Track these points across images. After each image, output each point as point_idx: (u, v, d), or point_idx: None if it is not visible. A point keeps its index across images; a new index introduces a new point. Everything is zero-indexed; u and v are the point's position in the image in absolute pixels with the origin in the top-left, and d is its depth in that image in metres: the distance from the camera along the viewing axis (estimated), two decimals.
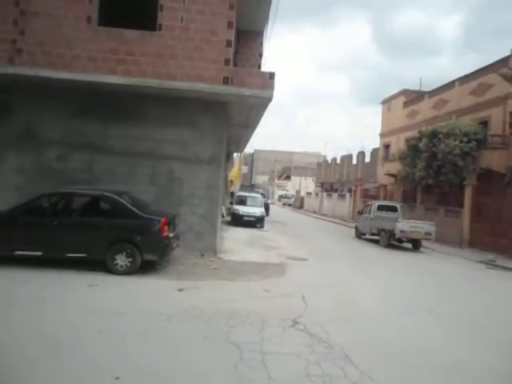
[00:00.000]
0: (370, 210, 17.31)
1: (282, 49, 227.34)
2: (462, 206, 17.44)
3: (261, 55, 14.08)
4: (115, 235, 7.28)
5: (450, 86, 22.96)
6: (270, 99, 9.48)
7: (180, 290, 6.44)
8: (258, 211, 19.32)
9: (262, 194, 29.60)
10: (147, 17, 9.51)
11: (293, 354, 4.26)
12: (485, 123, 18.91)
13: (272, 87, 9.19)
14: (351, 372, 3.95)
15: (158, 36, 9.14)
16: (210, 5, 9.24)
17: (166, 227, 7.35)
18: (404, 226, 14.74)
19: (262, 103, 10.02)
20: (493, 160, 17.36)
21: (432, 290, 8.40)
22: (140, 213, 7.39)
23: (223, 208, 20.62)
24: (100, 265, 7.20)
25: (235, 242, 12.73)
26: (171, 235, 7.69)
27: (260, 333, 4.76)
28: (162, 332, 4.66)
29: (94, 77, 8.82)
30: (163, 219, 7.35)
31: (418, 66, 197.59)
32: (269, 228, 18.58)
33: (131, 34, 9.10)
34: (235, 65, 11.91)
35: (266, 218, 20.63)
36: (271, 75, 9.23)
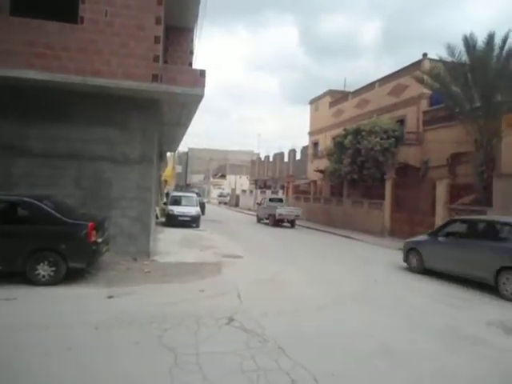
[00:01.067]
0: (265, 202, 24.61)
1: (214, 48, 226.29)
2: (383, 198, 18.84)
3: (192, 53, 13.91)
4: (35, 244, 6.75)
5: (370, 86, 24.63)
6: (201, 97, 9.41)
7: (110, 297, 6.18)
8: (194, 211, 19.11)
9: (197, 193, 29.30)
10: (67, 9, 8.91)
11: (228, 351, 4.32)
12: (402, 121, 20.63)
13: (203, 85, 9.12)
14: (285, 363, 4.10)
15: (80, 30, 8.61)
16: None
17: (93, 232, 6.98)
18: (281, 210, 21.90)
19: (194, 101, 9.93)
20: (409, 155, 19.00)
21: (355, 277, 8.98)
22: (63, 218, 6.92)
23: (157, 209, 20.08)
24: (20, 276, 6.65)
25: (170, 244, 12.48)
26: (100, 240, 7.32)
27: (195, 334, 4.75)
28: (90, 343, 4.43)
29: (8, 72, 8.07)
30: (90, 224, 6.97)
31: (342, 68, 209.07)
32: (205, 227, 18.47)
33: (50, 26, 8.45)
34: (165, 62, 11.65)
35: (202, 218, 20.48)
36: (202, 72, 9.17)
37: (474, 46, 14.44)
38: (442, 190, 15.20)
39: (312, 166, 30.60)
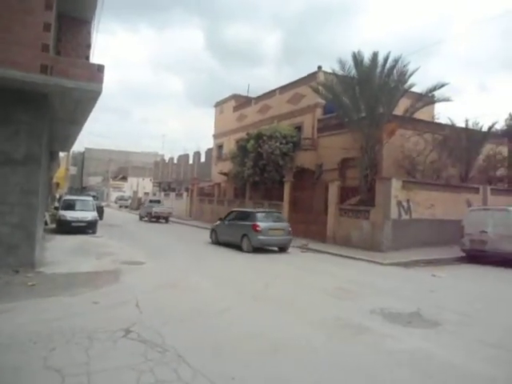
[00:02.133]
0: (146, 202, 31.34)
1: (115, 45, 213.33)
2: (282, 199, 19.88)
3: (89, 46, 12.89)
4: None
5: (272, 94, 25.75)
6: (98, 93, 8.75)
7: None
8: (90, 215, 17.75)
9: (94, 197, 27.33)
10: None
11: (124, 366, 4.07)
12: (299, 128, 21.97)
13: (101, 80, 8.49)
14: (185, 372, 3.99)
15: None
16: None
17: None
18: (157, 209, 27.89)
19: (90, 97, 9.18)
20: (305, 159, 20.33)
21: (258, 276, 9.29)
22: None
23: (47, 214, 18.25)
24: None
25: (61, 252, 11.39)
26: None
27: (86, 351, 4.38)
28: None
29: None
30: None
31: (246, 74, 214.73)
32: (103, 233, 17.29)
33: None
34: (58, 53, 10.62)
35: (100, 222, 19.15)
36: (100, 67, 8.53)
37: (361, 62, 16.02)
38: (333, 192, 16.58)
39: (216, 169, 30.81)
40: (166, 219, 27.88)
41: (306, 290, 8.28)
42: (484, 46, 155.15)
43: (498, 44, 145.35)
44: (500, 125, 32.69)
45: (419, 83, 16.66)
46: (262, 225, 13.80)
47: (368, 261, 12.40)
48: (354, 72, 16.22)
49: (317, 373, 4.23)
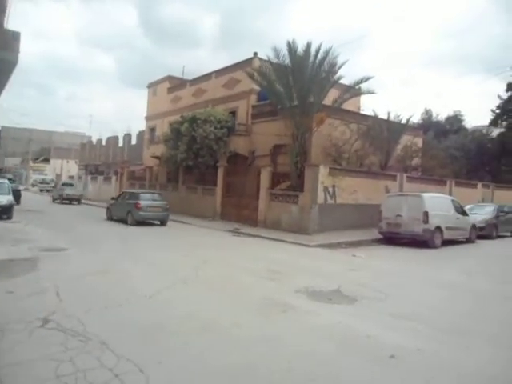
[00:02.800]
0: (58, 186, 33.33)
1: (38, 14, 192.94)
2: (216, 184, 19.90)
3: (3, 11, 11.59)
4: None
5: (207, 77, 25.34)
6: (13, 63, 8.01)
7: None
8: (5, 199, 16.18)
9: (10, 180, 25.06)
10: None
11: (41, 358, 3.86)
12: (234, 113, 21.96)
13: (16, 49, 7.76)
14: (108, 359, 3.87)
15: None
16: None
17: None
18: (68, 191, 29.51)
19: (4, 68, 8.36)
20: (239, 145, 20.48)
21: (189, 260, 9.28)
22: None
23: None
24: None
25: None
26: None
27: None
28: None
29: None
30: None
31: (181, 56, 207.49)
32: (20, 218, 15.95)
33: None
34: None
35: (17, 207, 17.59)
36: (15, 35, 7.79)
37: (295, 52, 16.37)
38: (265, 177, 16.96)
39: (148, 152, 29.78)
40: (78, 201, 29.68)
41: (236, 272, 8.46)
42: (408, 43, 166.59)
43: (425, 41, 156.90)
44: (416, 118, 35.72)
45: (348, 75, 17.65)
46: (143, 203, 16.76)
47: (296, 243, 12.98)
48: (288, 61, 16.55)
49: (241, 349, 4.39)
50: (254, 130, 20.54)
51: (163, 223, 17.37)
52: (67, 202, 28.92)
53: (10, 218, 15.91)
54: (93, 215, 21.14)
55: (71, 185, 32.96)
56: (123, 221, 17.33)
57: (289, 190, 16.05)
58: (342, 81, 17.54)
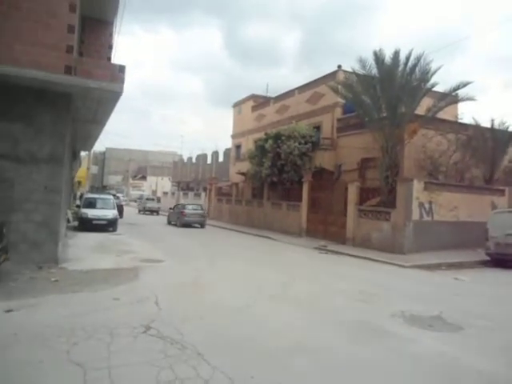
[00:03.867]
0: (143, 200, 39.66)
1: (136, 46, 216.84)
2: (301, 200, 19.70)
3: (110, 47, 13.15)
4: None
5: (290, 93, 25.61)
6: (119, 93, 8.90)
7: (8, 311, 5.51)
8: (110, 214, 18.08)
9: (114, 196, 27.82)
10: None
11: (144, 362, 4.11)
12: (318, 127, 21.77)
13: (122, 81, 8.63)
14: (204, 370, 4.00)
15: None
16: None
17: None
18: (149, 204, 37.09)
19: (111, 97, 9.35)
20: (324, 159, 20.12)
21: (277, 276, 9.23)
22: None
23: (69, 212, 18.65)
24: None
25: (83, 249, 11.62)
26: None
27: (108, 346, 4.44)
28: None
29: None
30: None
31: (264, 74, 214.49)
32: (123, 231, 17.58)
33: None
34: (81, 55, 10.84)
35: (120, 221, 19.47)
36: (121, 68, 8.68)
37: (383, 61, 15.73)
38: (353, 193, 16.35)
39: (234, 169, 30.87)
40: (157, 212, 36.16)
41: (325, 291, 8.18)
42: (508, 43, 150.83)
43: None
44: None
45: (442, 82, 16.37)
46: (186, 211, 23.37)
47: (389, 263, 12.18)
48: (374, 71, 15.95)
49: (335, 373, 4.18)
50: (340, 144, 20.09)
51: (202, 226, 23.49)
52: (148, 212, 35.98)
53: (114, 230, 17.64)
54: (163, 221, 27.17)
55: (152, 199, 40.73)
56: (175, 224, 23.80)
57: (379, 206, 15.25)
58: (436, 88, 16.29)
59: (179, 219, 23.33)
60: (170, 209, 26.26)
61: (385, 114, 15.84)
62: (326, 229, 17.71)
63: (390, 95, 15.48)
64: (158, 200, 42.39)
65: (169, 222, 25.35)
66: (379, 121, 15.93)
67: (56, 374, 3.81)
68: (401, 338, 5.36)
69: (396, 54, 15.54)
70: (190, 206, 24.28)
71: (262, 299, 7.13)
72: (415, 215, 14.15)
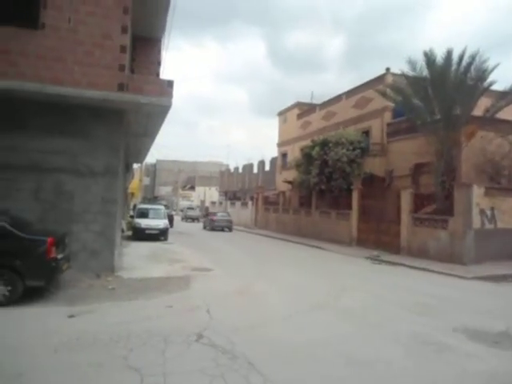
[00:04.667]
0: (185, 209, 45.21)
1: (183, 60, 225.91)
2: (350, 208, 19.16)
3: (159, 63, 13.76)
4: None
5: (337, 99, 25.24)
6: (168, 107, 9.25)
7: (71, 316, 5.83)
8: (162, 223, 18.71)
9: (165, 206, 28.78)
10: (28, 14, 8.53)
11: (197, 370, 4.14)
12: (367, 133, 21.19)
13: (170, 95, 8.96)
14: (255, 379, 3.98)
15: (40, 36, 8.28)
16: (101, 7, 8.72)
17: (53, 248, 6.59)
18: (190, 213, 42.52)
19: (161, 111, 9.73)
20: (374, 165, 19.50)
21: (327, 286, 8.98)
22: (19, 233, 6.51)
23: (123, 222, 19.51)
24: None
25: (136, 258, 12.08)
26: (60, 256, 6.92)
27: (163, 353, 4.53)
28: (48, 366, 4.12)
29: None
30: (50, 239, 6.59)
31: (308, 81, 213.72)
32: (173, 240, 18.09)
33: (5, 30, 8.06)
34: (132, 72, 11.42)
35: (171, 230, 20.07)
36: (170, 83, 9.01)
37: (434, 62, 15.08)
38: (406, 200, 15.64)
39: (281, 177, 30.82)
40: (198, 219, 39.92)
41: (381, 303, 7.82)
42: None
43: None
44: None
45: (501, 80, 15.24)
46: (215, 218, 28.51)
47: (448, 274, 11.46)
48: (425, 72, 15.33)
49: None
50: (391, 149, 19.38)
51: (230, 229, 27.95)
52: (190, 220, 40.47)
53: (166, 239, 18.20)
54: (200, 227, 31.25)
55: (192, 208, 46.28)
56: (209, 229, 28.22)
57: (435, 214, 14.45)
58: (494, 87, 15.29)
59: (210, 224, 28.46)
60: (204, 216, 34.13)
61: (438, 117, 15.13)
62: (378, 238, 17.05)
63: (443, 97, 14.77)
64: (201, 209, 48.92)
65: (204, 227, 29.90)
66: (432, 124, 15.22)
67: (115, 377, 3.94)
68: (463, 355, 5.01)
69: (448, 53, 14.84)
70: (219, 214, 30.06)
71: (313, 310, 6.97)
72: (476, 223, 13.23)
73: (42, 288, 6.80)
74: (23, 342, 4.75)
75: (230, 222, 28.63)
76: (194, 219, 40.77)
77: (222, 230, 27.61)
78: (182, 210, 51.04)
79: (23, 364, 4.13)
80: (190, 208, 46.24)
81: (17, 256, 6.40)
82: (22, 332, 5.15)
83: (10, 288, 6.28)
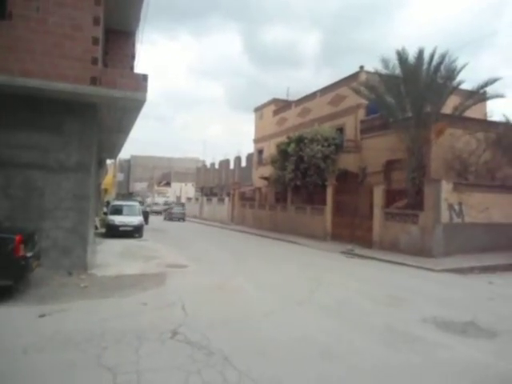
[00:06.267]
0: (172, 207, 42.02)
1: (157, 54, 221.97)
2: (325, 203, 19.45)
3: (133, 57, 13.48)
4: None
5: (312, 96, 25.50)
6: (143, 102, 9.09)
7: (41, 315, 5.67)
8: (136, 220, 18.43)
9: (140, 202, 28.32)
10: None
11: (172, 367, 4.12)
12: (341, 130, 21.55)
13: (145, 89, 8.81)
14: (231, 375, 4.00)
15: (8, 26, 7.96)
16: None
17: (21, 246, 6.38)
18: (175, 210, 38.72)
19: (135, 106, 9.56)
20: (348, 162, 19.86)
21: (303, 281, 9.11)
22: None
23: (96, 219, 19.11)
24: None
25: (110, 255, 11.87)
26: (29, 254, 6.71)
27: (136, 351, 4.48)
28: (15, 369, 4.00)
29: None
30: (18, 237, 6.37)
31: (285, 77, 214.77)
32: (148, 237, 17.86)
33: None
34: (105, 65, 11.14)
35: (146, 227, 19.79)
36: (144, 77, 8.86)
37: (406, 60, 15.46)
38: (378, 195, 16.03)
39: (257, 173, 30.92)
40: (183, 218, 37.70)
41: (353, 296, 8.00)
42: None
43: None
44: None
45: (469, 80, 15.84)
46: (172, 211, 37.84)
47: (418, 267, 11.83)
48: (398, 70, 15.71)
49: (362, 378, 4.09)
50: (364, 146, 19.79)
51: (183, 220, 36.64)
52: (176, 219, 37.35)
53: (140, 236, 17.95)
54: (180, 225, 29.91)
55: (180, 205, 45.03)
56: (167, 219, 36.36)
57: (406, 209, 14.88)
58: (463, 86, 15.85)
59: (169, 215, 37.55)
60: (165, 210, 41.42)
61: (410, 115, 15.54)
62: (352, 232, 17.42)
63: (414, 95, 15.18)
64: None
65: (164, 219, 38.11)
66: (404, 121, 15.63)
67: (87, 377, 3.88)
68: (433, 344, 5.19)
69: (420, 52, 15.25)
70: (175, 208, 39.44)
71: (289, 304, 7.06)
72: (444, 217, 13.72)
73: (10, 287, 6.58)
74: None
75: (184, 214, 37.79)
76: (179, 218, 36.94)
77: (178, 220, 36.57)
78: (165, 210, 48.97)
79: None
80: (174, 204, 44.27)
81: None
82: None
83: None
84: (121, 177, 52.93)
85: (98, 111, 9.55)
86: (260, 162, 31.55)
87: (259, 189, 28.38)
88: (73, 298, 6.71)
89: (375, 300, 7.61)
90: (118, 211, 18.98)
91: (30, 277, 7.22)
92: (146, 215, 23.92)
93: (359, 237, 16.82)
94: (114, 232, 17.49)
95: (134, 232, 17.92)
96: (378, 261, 13.25)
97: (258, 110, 33.76)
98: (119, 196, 46.15)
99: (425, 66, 15.34)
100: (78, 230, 9.04)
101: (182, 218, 36.94)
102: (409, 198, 15.09)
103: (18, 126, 8.59)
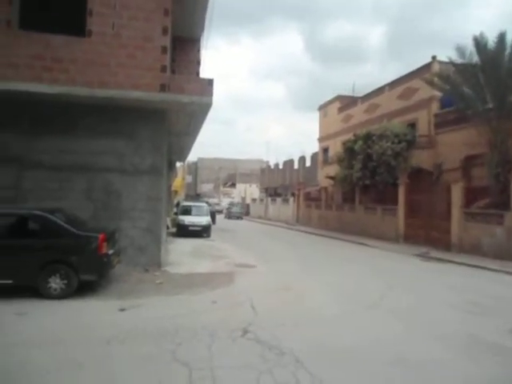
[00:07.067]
0: (229, 206, 44.91)
1: (220, 59, 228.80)
2: (396, 203, 18.47)
3: (199, 63, 13.97)
4: (47, 256, 6.69)
5: (380, 91, 24.42)
6: (209, 105, 9.38)
7: (121, 309, 6.07)
8: (204, 220, 19.06)
9: (207, 203, 29.32)
10: (75, 22, 8.98)
11: (244, 365, 4.15)
12: (413, 125, 20.32)
13: (211, 93, 9.08)
14: (303, 377, 3.93)
15: (87, 42, 8.66)
16: (143, 11, 8.96)
17: (104, 244, 6.90)
18: (233, 210, 41.85)
19: (202, 110, 9.89)
20: (422, 159, 18.65)
21: (374, 285, 8.72)
22: (74, 230, 6.88)
23: (168, 219, 20.09)
24: (32, 290, 6.59)
25: (181, 254, 12.39)
26: (111, 252, 7.24)
27: (209, 347, 4.59)
28: (101, 358, 4.30)
29: (17, 85, 8.12)
30: (101, 236, 6.90)
31: (349, 73, 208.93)
32: (216, 237, 18.37)
33: (57, 39, 8.51)
34: (173, 72, 11.68)
35: (213, 227, 20.39)
36: (210, 81, 9.13)
37: (485, 46, 14.22)
38: (457, 194, 14.84)
39: (322, 173, 30.33)
40: (241, 217, 40.39)
41: (428, 302, 7.48)
42: None
43: None
44: None
45: None
46: (232, 210, 41.48)
47: (504, 272, 10.76)
48: (475, 58, 14.49)
49: None
50: (439, 141, 18.46)
51: (241, 218, 39.14)
52: (234, 218, 39.90)
53: (208, 236, 18.52)
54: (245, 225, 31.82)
55: (237, 205, 47.70)
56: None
57: (489, 208, 13.60)
58: None
59: (229, 214, 40.00)
60: (226, 209, 43.24)
61: (491, 105, 14.20)
62: (427, 234, 16.32)
63: (495, 83, 13.89)
64: (242, 206, 48.75)
65: (225, 217, 40.09)
66: (484, 113, 14.34)
67: (165, 371, 4.03)
68: None
69: (501, 36, 13.97)
70: (233, 208, 42.16)
71: (359, 308, 6.79)
72: None
73: (94, 282, 7.15)
74: (80, 334, 5.01)
75: (241, 213, 41.15)
76: (237, 217, 39.77)
77: (236, 218, 39.11)
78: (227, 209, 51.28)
79: (82, 355, 4.34)
80: (232, 205, 46.15)
81: (72, 252, 6.77)
82: (77, 324, 5.43)
83: (65, 282, 6.65)
84: (189, 179, 55.30)
85: (167, 116, 10.01)
86: (325, 161, 30.92)
87: (325, 188, 27.80)
88: (149, 294, 7.09)
89: (455, 306, 7.04)
90: (187, 211, 19.79)
91: (111, 273, 7.77)
92: (213, 215, 24.63)
93: (435, 239, 15.71)
94: (183, 231, 18.24)
95: (203, 232, 18.53)
96: (456, 264, 12.26)
97: (322, 107, 33.16)
98: (188, 197, 48.28)
99: (507, 51, 13.96)
100: (152, 229, 9.56)
101: (239, 216, 39.76)
102: (492, 197, 13.79)
103: (97, 133, 9.31)
